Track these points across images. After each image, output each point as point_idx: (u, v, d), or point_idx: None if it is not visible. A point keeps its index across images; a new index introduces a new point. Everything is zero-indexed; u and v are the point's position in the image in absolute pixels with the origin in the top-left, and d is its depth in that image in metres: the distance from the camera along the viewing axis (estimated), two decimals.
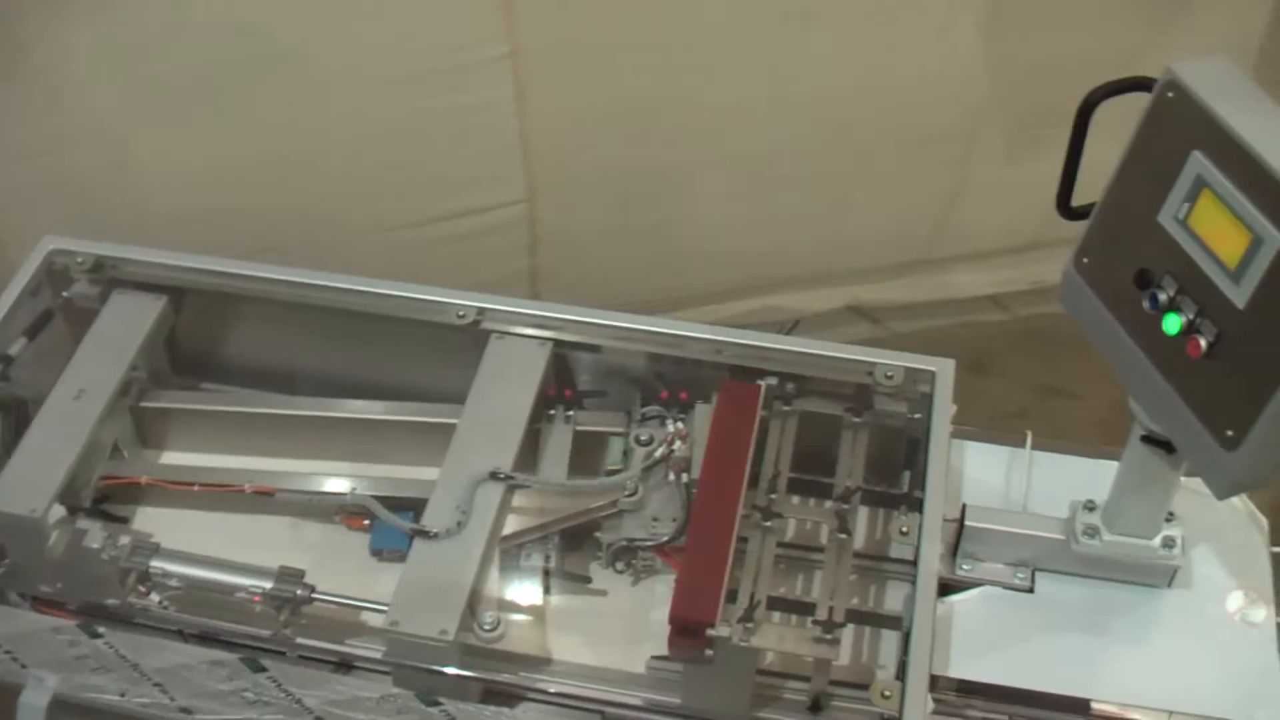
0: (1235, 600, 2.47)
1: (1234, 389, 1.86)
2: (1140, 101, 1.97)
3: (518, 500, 2.43)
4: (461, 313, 2.61)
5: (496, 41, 3.36)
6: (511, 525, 2.41)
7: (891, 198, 4.05)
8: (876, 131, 3.84)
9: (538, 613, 2.43)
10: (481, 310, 2.61)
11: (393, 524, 2.41)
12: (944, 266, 4.31)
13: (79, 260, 2.68)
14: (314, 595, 2.30)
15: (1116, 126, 2.02)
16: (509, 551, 2.42)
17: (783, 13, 3.51)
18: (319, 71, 3.30)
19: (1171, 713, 2.33)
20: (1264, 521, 2.57)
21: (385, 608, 2.25)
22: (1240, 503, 2.57)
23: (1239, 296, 1.83)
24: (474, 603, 2.28)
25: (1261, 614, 2.45)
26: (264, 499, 2.54)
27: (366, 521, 2.51)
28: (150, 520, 2.58)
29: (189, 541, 2.39)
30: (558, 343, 2.60)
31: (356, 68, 3.32)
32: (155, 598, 2.35)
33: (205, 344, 2.78)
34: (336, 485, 2.53)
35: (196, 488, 2.54)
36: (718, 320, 4.07)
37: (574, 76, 3.51)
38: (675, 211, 3.93)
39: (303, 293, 2.66)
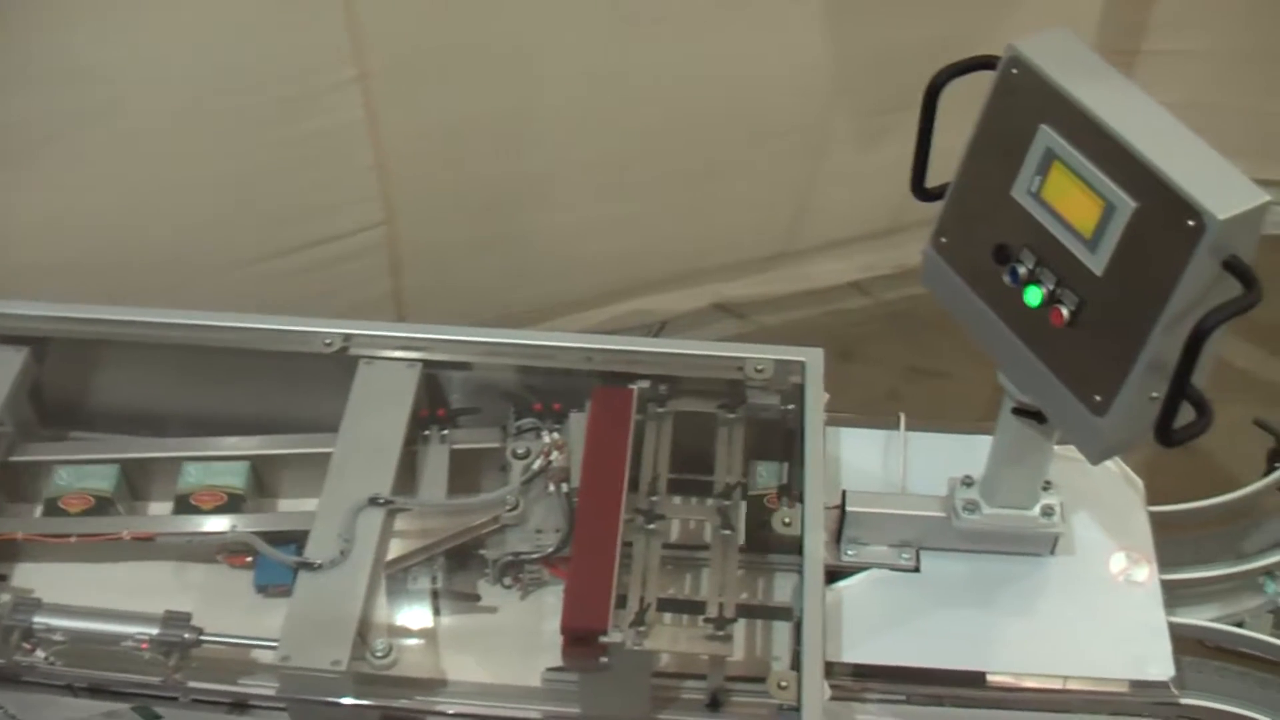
0: (1118, 561, 2.51)
1: (1099, 355, 1.90)
2: (987, 81, 1.99)
3: (399, 524, 2.42)
4: (328, 340, 2.59)
5: (344, 65, 3.34)
6: (395, 549, 2.40)
7: (748, 193, 4.07)
8: (727, 128, 3.86)
9: (429, 635, 2.42)
10: (348, 336, 2.60)
11: (276, 559, 2.39)
12: (805, 257, 4.34)
13: None
14: (202, 637, 2.27)
15: (967, 107, 2.04)
16: (395, 576, 2.41)
17: (626, 17, 3.52)
18: (164, 110, 3.26)
19: (1066, 678, 2.37)
20: (1139, 482, 2.62)
21: (275, 643, 2.23)
22: (1115, 465, 2.61)
23: (1096, 264, 1.86)
24: (364, 630, 2.26)
25: (1144, 573, 2.49)
26: (144, 544, 2.50)
27: (249, 558, 2.49)
28: (30, 576, 2.53)
29: (71, 594, 2.34)
30: (427, 363, 2.59)
31: (202, 103, 3.28)
32: (41, 654, 2.30)
33: (72, 393, 2.74)
34: (216, 524, 2.50)
35: (74, 539, 2.49)
36: (586, 328, 4.09)
37: (425, 94, 3.49)
38: (537, 222, 3.93)
39: (166, 333, 2.63)
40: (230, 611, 2.39)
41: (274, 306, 2.65)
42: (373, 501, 2.39)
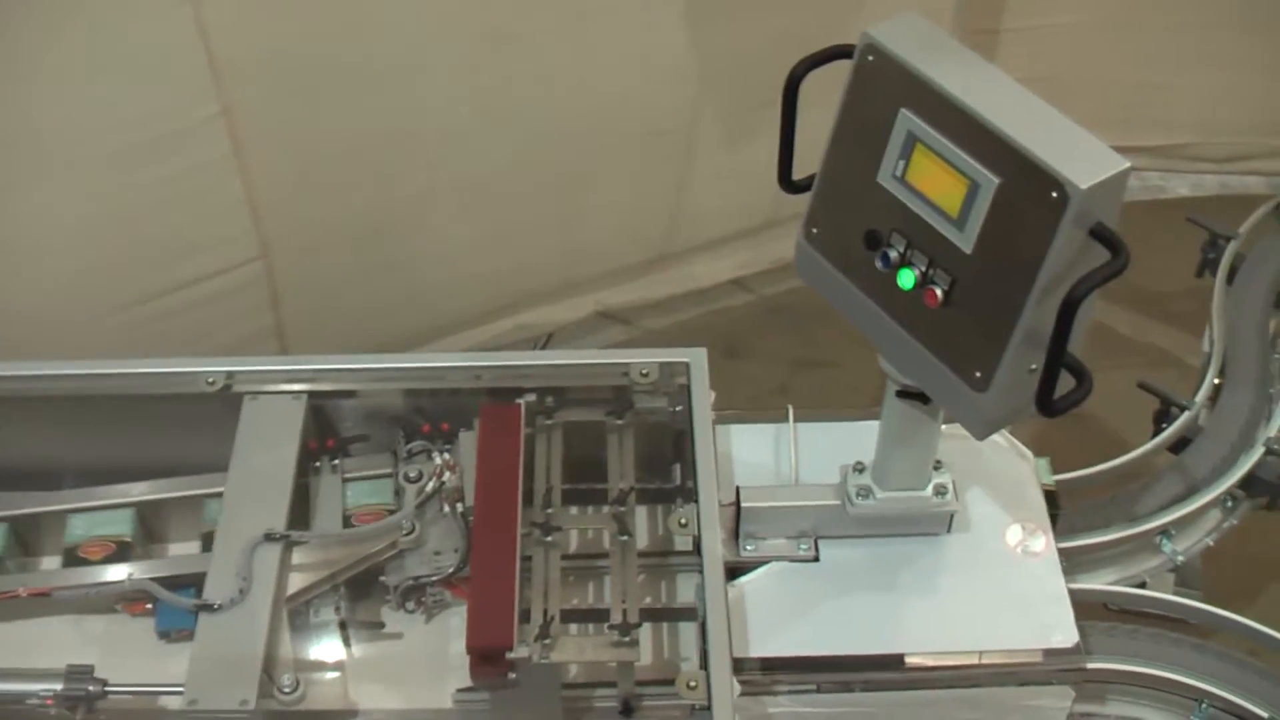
0: (1014, 534, 2.54)
1: (975, 331, 1.92)
2: (848, 69, 2.01)
3: (297, 557, 2.41)
4: (211, 379, 2.57)
5: (206, 102, 3.31)
6: (295, 583, 2.38)
7: (622, 199, 4.08)
8: (596, 136, 3.87)
9: (336, 666, 2.41)
10: (231, 374, 2.58)
11: (174, 603, 2.37)
12: (684, 258, 4.36)
13: None
14: (107, 689, 2.24)
15: (836, 97, 2.05)
16: (297, 610, 2.39)
17: (488, 34, 3.52)
18: (27, 158, 3.22)
19: (982, 653, 2.39)
20: (1029, 454, 2.65)
21: (182, 689, 2.21)
22: (1004, 439, 2.64)
23: (965, 242, 1.88)
24: (270, 667, 2.25)
25: (1040, 543, 2.52)
26: (41, 600, 2.47)
27: (149, 605, 2.46)
28: None
29: None
30: (313, 394, 2.58)
31: (67, 148, 3.24)
32: None
33: None
34: (113, 573, 2.46)
35: None
36: (472, 346, 4.09)
37: (291, 125, 3.47)
38: (414, 244, 3.92)
39: (46, 385, 2.60)
40: (134, 660, 2.36)
41: (153, 349, 2.62)
42: (268, 537, 2.37)
